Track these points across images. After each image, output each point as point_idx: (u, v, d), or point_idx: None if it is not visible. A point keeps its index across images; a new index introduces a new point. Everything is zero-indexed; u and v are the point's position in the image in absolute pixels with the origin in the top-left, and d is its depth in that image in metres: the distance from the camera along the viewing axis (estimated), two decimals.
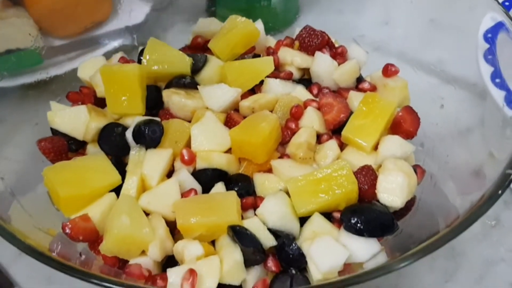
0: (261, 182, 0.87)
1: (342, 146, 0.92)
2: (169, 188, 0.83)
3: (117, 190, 0.84)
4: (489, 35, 0.96)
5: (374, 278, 0.65)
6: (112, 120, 0.95)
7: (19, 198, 0.83)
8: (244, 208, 0.83)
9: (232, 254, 0.74)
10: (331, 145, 0.90)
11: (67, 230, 0.78)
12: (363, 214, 0.78)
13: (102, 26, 1.19)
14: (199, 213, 0.77)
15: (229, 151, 0.89)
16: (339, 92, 1.00)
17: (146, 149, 0.88)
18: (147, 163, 0.85)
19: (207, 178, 0.86)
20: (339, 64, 1.04)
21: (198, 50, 1.11)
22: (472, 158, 0.89)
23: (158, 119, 0.92)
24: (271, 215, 0.79)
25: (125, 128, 0.91)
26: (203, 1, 1.30)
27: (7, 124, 0.97)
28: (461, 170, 0.89)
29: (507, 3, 1.16)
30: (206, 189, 0.85)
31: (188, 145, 0.89)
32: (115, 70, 0.93)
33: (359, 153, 0.88)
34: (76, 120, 0.92)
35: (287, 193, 0.82)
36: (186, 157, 0.86)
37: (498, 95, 0.90)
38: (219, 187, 0.85)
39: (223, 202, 0.79)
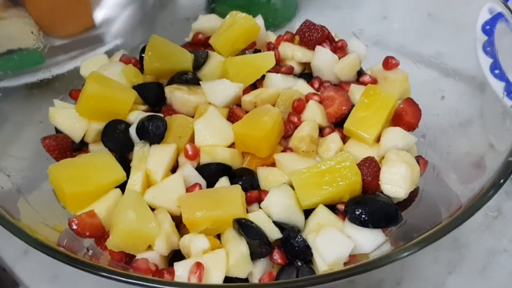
0: (265, 175, 0.87)
1: (344, 138, 0.92)
2: (174, 183, 0.83)
3: (121, 187, 0.84)
4: (488, 27, 0.97)
5: (378, 267, 0.65)
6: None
7: (25, 195, 0.83)
8: (249, 201, 0.83)
9: (238, 247, 0.74)
10: (334, 138, 0.90)
11: (74, 226, 0.78)
12: (367, 206, 0.78)
13: (102, 25, 1.19)
14: (204, 207, 0.77)
15: (232, 145, 0.90)
16: (340, 86, 1.01)
17: (150, 144, 0.88)
18: (151, 158, 0.85)
19: (211, 172, 0.86)
20: (339, 58, 1.04)
21: (199, 46, 1.12)
22: (473, 148, 0.89)
23: (161, 115, 0.92)
24: (275, 208, 0.80)
25: (128, 125, 0.91)
26: None
27: (12, 122, 0.98)
28: (463, 160, 0.89)
29: None
30: (211, 184, 0.86)
31: (191, 140, 0.90)
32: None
33: (361, 145, 0.89)
34: (75, 122, 0.92)
35: (291, 186, 0.82)
36: (190, 152, 0.86)
37: (498, 86, 0.91)
38: (223, 181, 0.85)
39: (228, 196, 0.80)
